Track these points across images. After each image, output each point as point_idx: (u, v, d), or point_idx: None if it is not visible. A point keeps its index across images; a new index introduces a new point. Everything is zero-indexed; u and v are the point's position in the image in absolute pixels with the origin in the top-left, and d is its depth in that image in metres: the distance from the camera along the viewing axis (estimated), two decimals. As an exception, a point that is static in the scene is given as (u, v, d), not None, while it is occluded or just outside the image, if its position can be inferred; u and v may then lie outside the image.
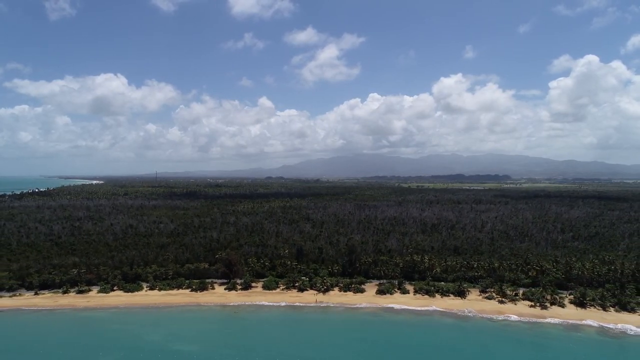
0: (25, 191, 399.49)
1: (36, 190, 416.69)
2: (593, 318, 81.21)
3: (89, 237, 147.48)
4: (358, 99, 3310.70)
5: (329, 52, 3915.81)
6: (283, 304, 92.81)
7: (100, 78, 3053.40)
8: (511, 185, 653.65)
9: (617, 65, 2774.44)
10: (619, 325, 77.81)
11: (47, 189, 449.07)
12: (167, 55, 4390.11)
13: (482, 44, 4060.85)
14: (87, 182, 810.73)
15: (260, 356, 69.67)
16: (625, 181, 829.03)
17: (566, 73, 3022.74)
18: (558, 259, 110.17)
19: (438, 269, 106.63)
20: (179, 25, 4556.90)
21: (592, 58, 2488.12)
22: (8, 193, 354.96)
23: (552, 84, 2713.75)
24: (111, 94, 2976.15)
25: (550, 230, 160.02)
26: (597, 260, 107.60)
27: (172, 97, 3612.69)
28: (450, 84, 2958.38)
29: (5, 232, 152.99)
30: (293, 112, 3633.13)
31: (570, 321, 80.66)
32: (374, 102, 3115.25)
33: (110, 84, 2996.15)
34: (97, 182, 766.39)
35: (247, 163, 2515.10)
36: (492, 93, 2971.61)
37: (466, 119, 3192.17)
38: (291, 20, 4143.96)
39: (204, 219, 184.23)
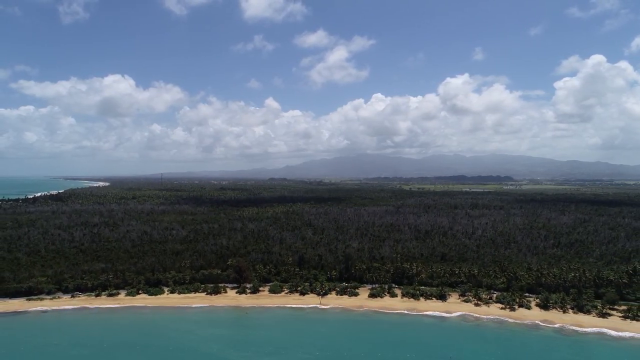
0: (37, 194, 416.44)
1: (47, 194, 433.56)
2: (552, 318, 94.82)
3: (109, 243, 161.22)
4: (362, 100, 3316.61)
5: (339, 54, 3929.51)
6: (287, 306, 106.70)
7: (108, 79, 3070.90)
8: (511, 187, 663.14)
9: (625, 65, 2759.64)
10: (572, 325, 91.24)
11: (57, 192, 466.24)
12: (176, 57, 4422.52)
13: (492, 45, 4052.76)
14: (93, 183, 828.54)
15: (268, 350, 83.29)
16: (626, 182, 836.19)
17: (575, 74, 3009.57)
18: (531, 266, 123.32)
19: (424, 275, 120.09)
20: (190, 28, 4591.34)
21: (599, 58, 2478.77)
22: (21, 197, 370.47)
23: (558, 84, 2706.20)
24: (118, 96, 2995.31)
25: (534, 237, 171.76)
26: (565, 267, 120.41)
27: (179, 98, 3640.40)
28: (458, 84, 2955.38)
29: (32, 238, 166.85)
30: (297, 112, 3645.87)
31: (533, 321, 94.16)
32: (378, 102, 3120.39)
33: (118, 86, 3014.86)
34: (103, 183, 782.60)
35: (251, 163, 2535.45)
36: (500, 94, 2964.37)
37: (472, 120, 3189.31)
38: (302, 23, 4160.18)
39: (212, 225, 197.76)
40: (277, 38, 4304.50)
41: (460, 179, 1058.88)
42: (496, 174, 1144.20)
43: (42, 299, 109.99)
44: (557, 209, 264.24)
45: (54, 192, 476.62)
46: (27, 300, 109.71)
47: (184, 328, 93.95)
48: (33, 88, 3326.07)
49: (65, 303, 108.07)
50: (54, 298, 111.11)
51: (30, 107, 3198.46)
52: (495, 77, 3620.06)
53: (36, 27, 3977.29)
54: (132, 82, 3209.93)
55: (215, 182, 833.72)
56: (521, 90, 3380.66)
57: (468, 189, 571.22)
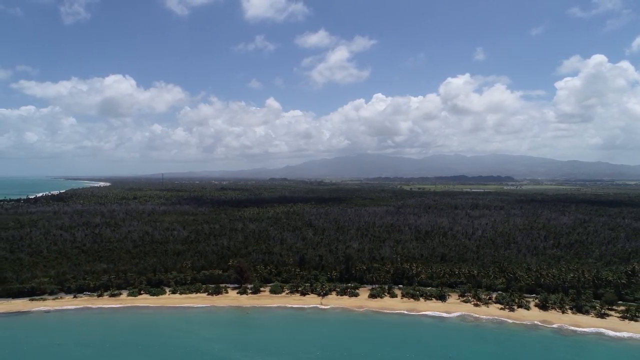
0: (38, 195, 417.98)
1: (48, 194, 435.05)
2: (551, 319, 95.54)
3: (110, 244, 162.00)
4: (362, 100, 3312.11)
5: (340, 55, 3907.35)
6: (288, 306, 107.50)
7: (109, 80, 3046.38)
8: (512, 187, 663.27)
9: (627, 65, 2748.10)
10: (571, 325, 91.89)
11: (59, 192, 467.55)
12: (177, 57, 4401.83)
13: (493, 45, 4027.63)
14: (94, 183, 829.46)
15: (269, 350, 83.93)
16: (627, 182, 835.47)
17: (576, 74, 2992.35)
18: (530, 267, 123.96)
19: (424, 276, 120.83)
20: (191, 28, 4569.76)
21: (601, 58, 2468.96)
22: (23, 197, 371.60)
23: (559, 84, 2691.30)
24: (119, 96, 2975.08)
25: (534, 237, 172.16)
26: (564, 268, 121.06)
27: (180, 98, 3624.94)
28: (459, 84, 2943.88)
29: (34, 239, 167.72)
30: (298, 112, 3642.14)
31: (532, 321, 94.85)
32: (379, 102, 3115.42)
33: (119, 86, 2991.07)
34: (104, 183, 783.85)
35: (251, 163, 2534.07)
36: (500, 94, 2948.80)
37: (473, 120, 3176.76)
38: (304, 23, 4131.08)
39: (213, 225, 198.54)
40: (278, 38, 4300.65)
41: (461, 179, 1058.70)
42: (497, 174, 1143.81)
43: (44, 299, 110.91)
44: (557, 209, 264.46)
45: (55, 192, 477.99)
46: (29, 300, 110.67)
47: (186, 328, 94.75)
48: (34, 88, 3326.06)
49: (67, 303, 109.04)
50: (57, 298, 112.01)
51: (31, 107, 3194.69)
52: (496, 77, 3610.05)
53: (37, 27, 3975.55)
54: (133, 82, 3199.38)
55: (216, 182, 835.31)
56: (522, 90, 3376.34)
57: (468, 189, 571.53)
